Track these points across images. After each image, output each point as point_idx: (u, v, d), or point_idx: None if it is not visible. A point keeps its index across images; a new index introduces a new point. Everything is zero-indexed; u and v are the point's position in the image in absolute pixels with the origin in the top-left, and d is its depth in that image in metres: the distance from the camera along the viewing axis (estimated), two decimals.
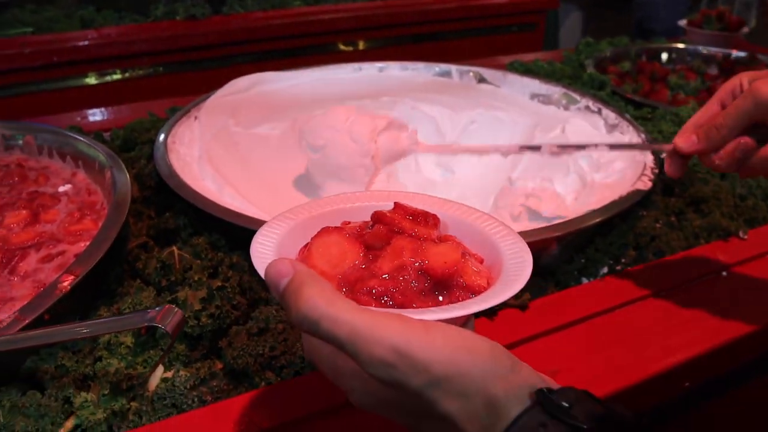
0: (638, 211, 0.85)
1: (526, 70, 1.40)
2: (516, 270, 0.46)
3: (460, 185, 0.98)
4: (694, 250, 0.82)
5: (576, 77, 1.32)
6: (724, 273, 0.79)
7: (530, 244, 0.70)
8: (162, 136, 0.91)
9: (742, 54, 1.54)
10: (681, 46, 1.62)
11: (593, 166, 0.92)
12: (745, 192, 0.95)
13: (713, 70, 1.56)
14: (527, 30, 2.41)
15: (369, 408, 0.42)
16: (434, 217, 0.48)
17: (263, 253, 0.44)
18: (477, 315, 0.48)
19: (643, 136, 0.94)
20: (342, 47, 2.15)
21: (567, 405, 0.36)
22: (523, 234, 0.70)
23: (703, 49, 1.59)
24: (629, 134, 0.96)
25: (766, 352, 0.76)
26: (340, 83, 1.16)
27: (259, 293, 0.70)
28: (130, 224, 0.78)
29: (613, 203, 0.76)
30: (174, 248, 0.72)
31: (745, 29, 1.71)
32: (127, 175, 0.79)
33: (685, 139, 0.67)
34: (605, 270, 0.77)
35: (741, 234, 0.85)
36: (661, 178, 0.92)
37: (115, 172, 0.80)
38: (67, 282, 0.60)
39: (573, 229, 0.72)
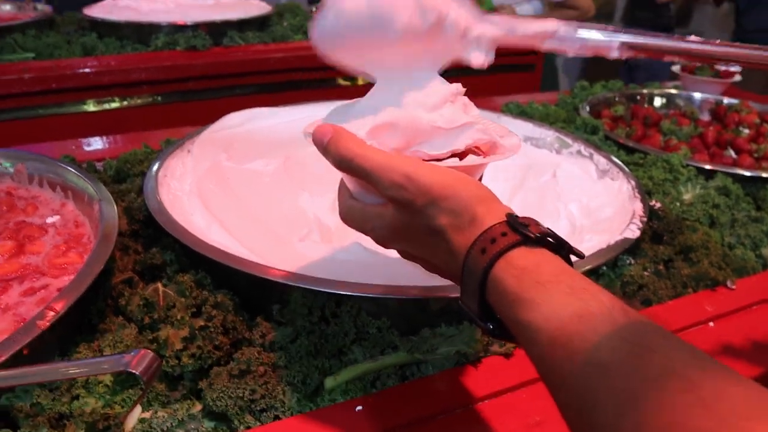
0: (626, 259, 0.84)
1: (521, 112, 1.41)
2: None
3: None
4: (681, 300, 0.81)
5: (570, 120, 1.33)
6: (711, 323, 0.78)
7: None
8: (153, 169, 0.91)
9: (734, 101, 1.56)
10: (674, 91, 1.64)
11: (583, 211, 0.92)
12: (734, 241, 0.96)
13: (705, 117, 1.57)
14: (526, 70, 2.44)
15: (386, 240, 0.56)
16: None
17: (313, 124, 0.57)
18: None
19: (632, 182, 0.94)
20: (341, 82, 2.16)
21: (525, 224, 0.47)
22: None
23: (697, 95, 1.61)
24: (619, 180, 0.96)
25: None
26: None
27: (242, 333, 0.69)
28: (116, 259, 0.78)
29: (601, 251, 0.76)
30: (159, 285, 0.72)
31: (737, 77, 1.73)
32: (115, 209, 0.79)
33: None
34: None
35: (729, 284, 0.85)
36: (650, 226, 0.93)
37: (103, 205, 0.80)
38: (48, 318, 0.60)
39: None
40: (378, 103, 0.56)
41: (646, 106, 1.57)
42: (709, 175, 1.14)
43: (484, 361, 0.68)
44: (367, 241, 0.83)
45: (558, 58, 3.56)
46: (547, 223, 0.91)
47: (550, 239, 0.47)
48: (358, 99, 0.60)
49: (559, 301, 0.42)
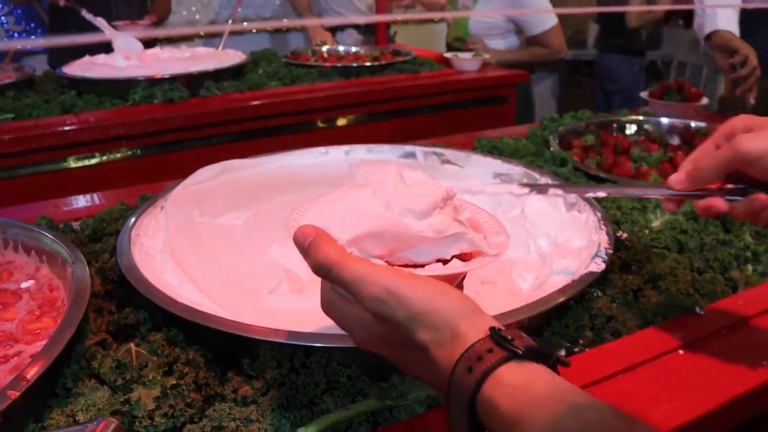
0: (594, 292, 0.86)
1: (493, 147, 1.44)
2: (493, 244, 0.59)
3: None
4: (650, 329, 0.82)
5: (539, 154, 1.35)
6: (681, 351, 0.79)
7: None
8: (126, 228, 0.93)
9: (702, 124, 1.59)
10: (642, 117, 1.67)
11: (552, 245, 0.94)
12: (703, 266, 0.97)
13: (675, 141, 1.60)
14: (499, 103, 2.48)
15: (366, 344, 0.55)
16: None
17: (296, 221, 0.57)
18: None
19: (599, 214, 0.96)
20: (320, 125, 2.19)
21: (510, 338, 0.46)
22: None
23: (665, 121, 1.64)
24: (586, 212, 0.98)
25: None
26: (306, 168, 1.19)
27: (214, 389, 0.70)
28: (89, 320, 0.79)
29: (567, 287, 0.78)
30: (131, 345, 0.73)
31: (704, 100, 1.76)
32: (87, 272, 0.80)
33: (676, 177, 0.74)
34: (563, 353, 0.78)
35: (698, 310, 0.86)
36: (618, 256, 0.94)
37: (76, 268, 0.81)
38: (19, 387, 0.61)
39: (528, 316, 0.73)
40: (364, 205, 0.55)
41: (615, 134, 1.60)
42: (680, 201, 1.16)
43: None
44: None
45: (534, 87, 3.61)
46: (517, 257, 0.93)
47: (536, 351, 0.47)
48: (347, 190, 0.60)
49: (559, 419, 0.42)
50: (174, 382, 0.67)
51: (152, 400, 0.65)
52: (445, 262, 0.55)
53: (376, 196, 0.56)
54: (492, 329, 0.47)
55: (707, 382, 0.74)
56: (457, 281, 0.57)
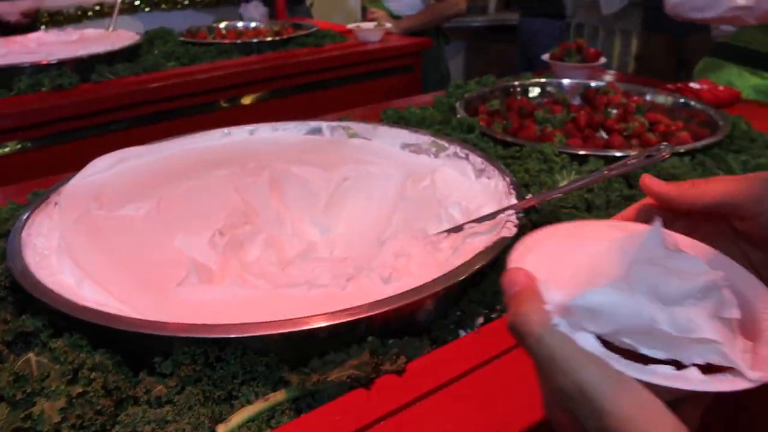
0: (504, 257, 0.86)
1: (400, 118, 1.42)
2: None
3: (342, 243, 0.98)
4: None
5: (446, 122, 1.35)
6: None
7: (405, 306, 0.70)
8: (17, 228, 0.87)
9: (601, 83, 1.63)
10: (544, 80, 1.70)
11: (464, 213, 0.94)
12: None
13: (577, 101, 1.63)
14: (406, 72, 2.47)
15: (550, 416, 0.47)
16: None
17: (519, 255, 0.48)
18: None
19: (507, 179, 0.97)
20: (223, 105, 2.13)
21: None
22: (396, 297, 0.70)
23: (566, 82, 1.67)
24: (495, 178, 0.99)
25: None
26: (208, 151, 1.14)
27: (126, 392, 0.66)
28: None
29: (480, 254, 0.78)
30: (30, 355, 0.68)
31: (602, 59, 1.81)
32: None
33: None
34: (481, 320, 0.78)
35: None
36: (529, 219, 0.95)
37: None
38: None
39: (444, 286, 0.73)
40: (603, 265, 0.45)
41: (520, 97, 1.62)
42: (583, 160, 1.18)
43: (377, 381, 0.68)
44: (249, 278, 0.82)
45: (450, 58, 3.63)
46: (431, 229, 0.93)
47: None
48: (596, 234, 0.50)
49: None
50: (80, 390, 0.63)
51: (57, 412, 0.61)
52: (680, 366, 0.40)
53: (624, 256, 0.45)
54: None
55: None
56: (682, 396, 0.41)
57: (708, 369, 0.40)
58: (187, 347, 0.65)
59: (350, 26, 2.53)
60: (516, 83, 1.66)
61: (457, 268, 0.76)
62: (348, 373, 0.66)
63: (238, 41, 2.36)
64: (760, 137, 1.36)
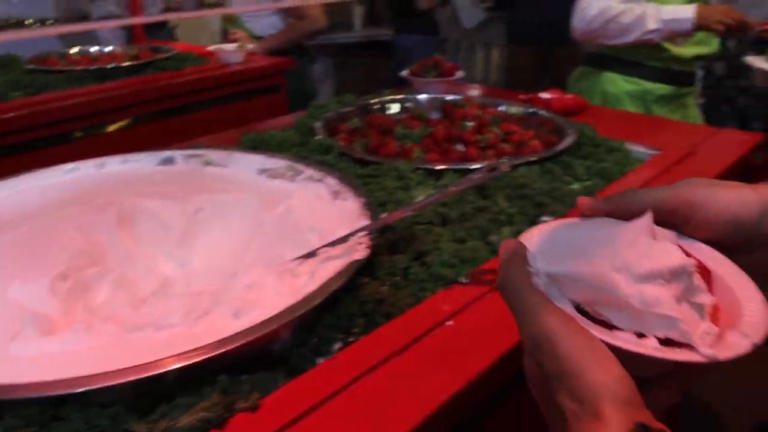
0: (362, 279, 0.87)
1: (260, 141, 1.41)
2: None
3: (200, 277, 0.95)
4: (420, 305, 0.85)
5: (304, 143, 1.35)
6: (450, 322, 0.83)
7: (255, 340, 0.69)
8: None
9: (457, 96, 1.69)
10: (401, 96, 1.73)
11: (321, 237, 0.93)
12: (464, 235, 1.02)
13: (437, 115, 1.67)
14: (271, 93, 2.45)
15: (526, 368, 0.51)
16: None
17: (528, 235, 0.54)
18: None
19: (362, 199, 0.97)
20: (77, 135, 2.03)
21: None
22: (245, 332, 0.69)
23: (423, 97, 1.71)
24: (350, 199, 0.99)
25: (500, 388, 0.81)
26: (52, 189, 1.08)
27: None
28: None
29: (331, 279, 0.78)
30: None
31: (459, 73, 1.87)
32: None
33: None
34: (338, 345, 0.78)
35: (462, 279, 0.90)
36: (386, 238, 0.96)
37: None
38: None
39: (295, 315, 0.72)
40: (590, 245, 0.49)
41: (380, 115, 1.64)
42: (440, 174, 1.21)
43: (231, 421, 0.66)
44: (97, 322, 0.77)
45: (316, 75, 3.63)
46: (288, 255, 0.92)
47: None
48: (591, 222, 0.54)
49: None
50: None
51: None
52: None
53: (609, 242, 0.49)
54: (638, 424, 0.41)
55: (474, 348, 0.78)
56: (644, 361, 0.45)
57: (669, 344, 0.45)
58: (19, 410, 0.61)
59: (211, 48, 2.49)
60: (375, 101, 1.68)
61: (309, 295, 0.76)
62: (199, 417, 0.64)
63: (92, 67, 2.26)
64: (604, 143, 1.45)
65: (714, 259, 0.51)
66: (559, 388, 0.43)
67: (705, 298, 0.47)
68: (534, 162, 1.27)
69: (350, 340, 0.79)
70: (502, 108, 1.65)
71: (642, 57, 2.23)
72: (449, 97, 1.68)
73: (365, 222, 0.91)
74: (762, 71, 1.99)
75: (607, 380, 0.42)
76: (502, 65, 4.92)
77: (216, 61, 2.43)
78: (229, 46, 2.46)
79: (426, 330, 0.81)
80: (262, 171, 1.14)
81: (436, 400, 0.70)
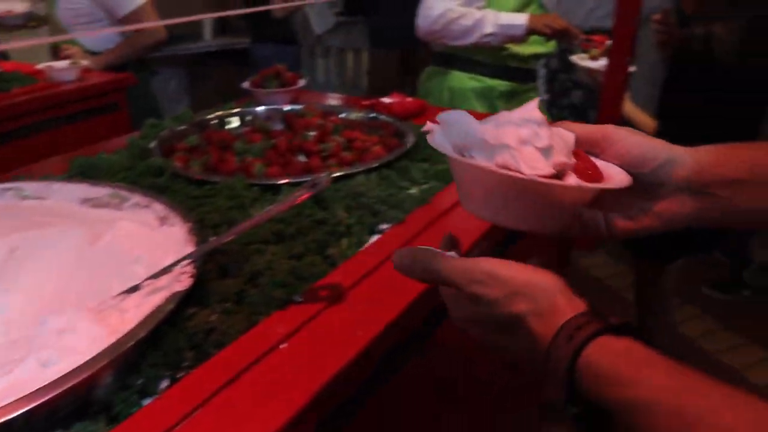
0: (189, 311, 0.83)
1: (90, 167, 1.32)
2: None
3: (18, 323, 0.88)
4: (254, 330, 0.83)
5: (135, 167, 1.28)
6: (284, 345, 0.81)
7: (76, 385, 0.64)
8: None
9: (298, 106, 1.67)
10: (240, 109, 1.69)
11: (147, 268, 0.89)
12: (302, 250, 1.00)
13: (280, 127, 1.65)
14: (110, 111, 2.33)
15: (460, 323, 0.61)
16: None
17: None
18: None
19: (189, 224, 0.94)
20: None
21: (605, 315, 0.51)
22: (52, 385, 0.64)
23: (260, 109, 1.68)
24: (178, 225, 0.95)
25: (339, 405, 0.80)
26: None
27: None
28: None
29: (152, 314, 0.74)
30: None
31: (302, 82, 1.86)
32: None
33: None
34: (166, 383, 0.74)
35: (297, 298, 0.89)
36: (216, 262, 0.93)
37: None
38: None
39: (114, 357, 0.68)
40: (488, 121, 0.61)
41: (219, 130, 1.60)
42: (278, 189, 1.19)
43: None
44: None
45: (164, 87, 3.48)
46: (114, 290, 0.86)
47: (630, 328, 0.50)
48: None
49: (663, 378, 0.45)
50: None
51: None
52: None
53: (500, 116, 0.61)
54: (588, 306, 0.53)
55: (308, 370, 0.77)
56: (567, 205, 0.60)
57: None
58: None
59: (40, 66, 2.33)
60: (212, 116, 1.63)
61: (128, 333, 0.72)
62: None
63: None
64: None
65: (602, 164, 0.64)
66: (515, 300, 0.53)
67: (545, 143, 0.57)
68: (373, 169, 1.28)
69: (179, 375, 0.75)
70: (344, 115, 1.65)
71: (484, 56, 2.33)
72: (289, 108, 1.66)
73: (191, 249, 0.87)
74: (584, 68, 2.16)
75: (550, 280, 0.54)
76: (363, 70, 4.98)
77: (46, 81, 2.28)
78: (61, 64, 2.32)
79: (259, 356, 0.79)
80: (85, 201, 1.07)
81: (270, 428, 0.68)
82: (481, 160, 0.58)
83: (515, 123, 0.58)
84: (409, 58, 4.52)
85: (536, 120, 0.58)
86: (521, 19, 2.18)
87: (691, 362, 0.46)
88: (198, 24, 5.05)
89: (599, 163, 0.63)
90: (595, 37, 2.24)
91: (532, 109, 0.60)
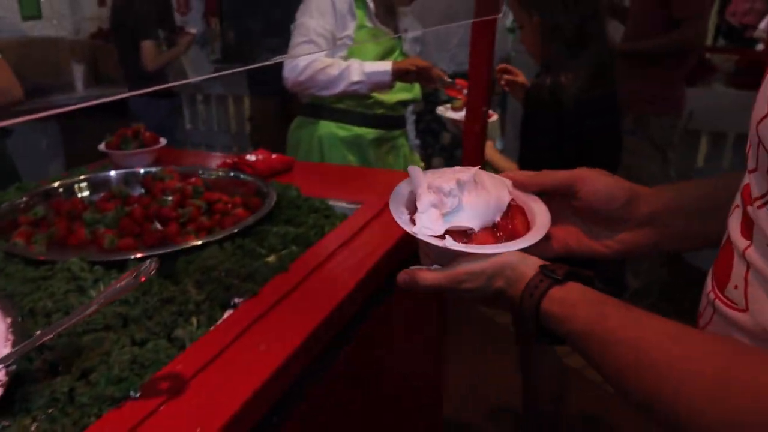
0: (2, 423, 0.75)
1: None
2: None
3: None
4: None
5: None
6: None
7: None
8: None
9: (153, 169, 1.59)
10: (89, 175, 1.59)
11: None
12: (146, 335, 0.93)
13: (137, 191, 1.56)
14: None
15: (466, 302, 0.96)
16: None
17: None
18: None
19: (9, 320, 0.85)
20: None
21: (554, 269, 0.69)
22: None
23: (114, 173, 1.59)
24: None
25: None
26: None
27: None
28: None
29: None
30: None
31: (162, 141, 1.79)
32: None
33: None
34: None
35: (132, 394, 0.81)
36: (44, 360, 0.85)
37: None
38: None
39: None
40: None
41: (68, 199, 1.49)
42: (124, 265, 1.12)
43: None
44: None
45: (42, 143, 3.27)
46: None
47: (573, 274, 0.69)
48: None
49: (586, 313, 0.64)
50: None
51: None
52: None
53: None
54: (542, 266, 0.71)
55: None
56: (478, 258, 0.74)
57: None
58: None
59: None
60: (57, 184, 1.52)
61: None
62: None
63: None
64: (305, 203, 1.45)
65: (532, 200, 0.81)
66: (493, 281, 0.72)
67: (446, 209, 0.75)
68: (228, 237, 1.23)
69: None
70: (204, 175, 1.59)
71: (350, 105, 2.34)
72: (145, 171, 1.58)
73: (8, 349, 0.79)
74: (450, 120, 2.22)
75: (512, 257, 0.72)
76: (244, 116, 4.90)
77: None
78: None
79: None
80: None
81: None
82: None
83: (435, 188, 0.76)
84: (290, 104, 4.52)
85: (453, 187, 0.75)
86: (387, 65, 2.24)
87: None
88: (70, 73, 4.83)
89: (538, 211, 0.79)
90: (459, 81, 2.30)
91: (467, 171, 0.78)
